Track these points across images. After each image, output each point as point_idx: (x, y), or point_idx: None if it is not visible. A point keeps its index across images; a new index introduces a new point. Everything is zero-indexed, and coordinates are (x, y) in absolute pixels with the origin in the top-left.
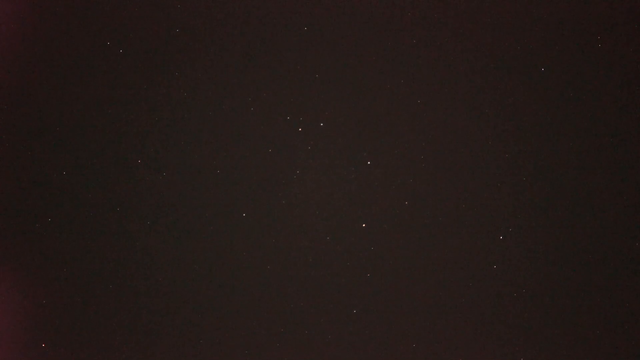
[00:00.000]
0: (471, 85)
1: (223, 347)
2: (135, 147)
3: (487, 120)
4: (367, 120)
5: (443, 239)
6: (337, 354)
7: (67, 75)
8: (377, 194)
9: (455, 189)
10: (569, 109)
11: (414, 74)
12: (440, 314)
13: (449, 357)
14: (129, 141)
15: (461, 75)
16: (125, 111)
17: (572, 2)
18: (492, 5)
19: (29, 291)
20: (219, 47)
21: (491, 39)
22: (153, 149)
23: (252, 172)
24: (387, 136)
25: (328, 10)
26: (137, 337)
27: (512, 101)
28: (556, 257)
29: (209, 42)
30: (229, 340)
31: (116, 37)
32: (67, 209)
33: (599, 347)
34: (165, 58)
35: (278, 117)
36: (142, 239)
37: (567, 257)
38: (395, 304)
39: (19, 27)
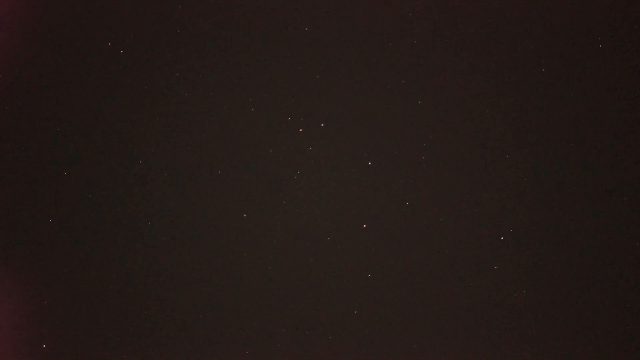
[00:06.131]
0: (471, 86)
1: (223, 347)
2: (136, 147)
3: (488, 121)
4: (368, 120)
5: (443, 239)
6: (337, 354)
7: (67, 75)
8: (377, 194)
9: (456, 190)
10: (569, 109)
11: (414, 74)
12: (441, 314)
13: (449, 357)
14: (130, 142)
15: (461, 76)
16: (126, 111)
17: (573, 2)
18: (492, 6)
19: (29, 291)
20: (219, 48)
21: (491, 39)
22: (154, 149)
23: (253, 173)
24: (387, 137)
25: (328, 10)
26: (137, 337)
27: (512, 101)
28: (556, 257)
29: (209, 42)
30: (229, 340)
31: (116, 37)
32: (68, 209)
33: (599, 347)
34: (165, 58)
35: (279, 118)
36: (143, 239)
37: (567, 257)
38: (395, 304)
39: (19, 27)
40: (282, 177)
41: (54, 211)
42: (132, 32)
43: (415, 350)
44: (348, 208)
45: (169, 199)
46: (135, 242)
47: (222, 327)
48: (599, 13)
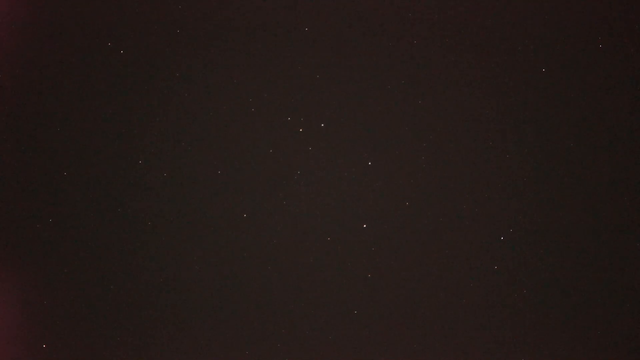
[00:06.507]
0: (471, 86)
1: (223, 346)
2: (136, 147)
3: (487, 121)
4: (368, 120)
5: (443, 239)
6: (337, 354)
7: (67, 75)
8: (377, 194)
9: (456, 190)
10: (569, 109)
11: (414, 74)
12: (441, 314)
13: (449, 357)
14: (130, 142)
15: (461, 76)
16: (126, 111)
17: (573, 2)
18: (492, 6)
19: (29, 291)
20: (219, 48)
21: (491, 39)
22: (154, 149)
23: (253, 173)
24: (387, 137)
25: (328, 10)
26: (137, 337)
27: (512, 101)
28: (556, 257)
29: (209, 42)
30: (229, 340)
31: (116, 37)
32: (68, 209)
33: (599, 347)
34: (165, 58)
35: (279, 118)
36: (143, 239)
37: (567, 257)
38: (395, 304)
39: (19, 27)
40: (282, 178)
41: (54, 211)
42: (132, 32)
43: (415, 350)
44: (348, 208)
45: (169, 199)
46: (135, 242)
47: (222, 327)
48: (599, 13)
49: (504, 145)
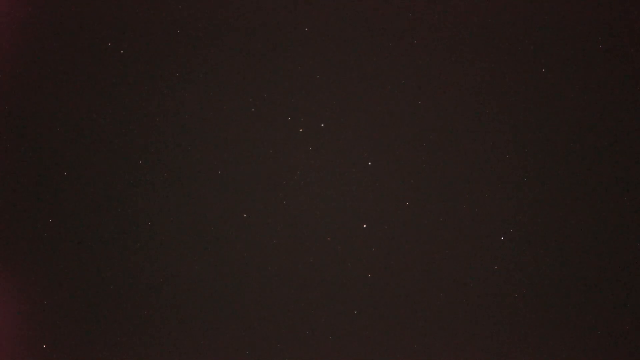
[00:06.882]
0: (471, 86)
1: (223, 346)
2: (136, 147)
3: (488, 121)
4: (368, 120)
5: (444, 239)
6: (337, 354)
7: (68, 75)
8: (377, 194)
9: (456, 190)
10: (569, 109)
11: (414, 74)
12: (441, 314)
13: (449, 357)
14: (130, 142)
15: (462, 76)
16: (126, 112)
17: (573, 3)
18: (492, 6)
19: (29, 291)
20: (220, 48)
21: (492, 39)
22: (154, 149)
23: (253, 173)
24: (387, 137)
25: (328, 10)
26: (137, 337)
27: (513, 101)
28: (556, 257)
29: (209, 42)
30: (229, 340)
31: (116, 37)
32: (68, 209)
33: (599, 347)
34: (166, 58)
35: (279, 118)
36: (143, 239)
37: (567, 257)
38: (395, 304)
39: (19, 27)
40: (282, 178)
41: (54, 211)
42: (132, 32)
43: (415, 350)
44: (348, 208)
45: (169, 199)
46: (135, 242)
47: (222, 327)
48: (599, 13)
49: (504, 145)
